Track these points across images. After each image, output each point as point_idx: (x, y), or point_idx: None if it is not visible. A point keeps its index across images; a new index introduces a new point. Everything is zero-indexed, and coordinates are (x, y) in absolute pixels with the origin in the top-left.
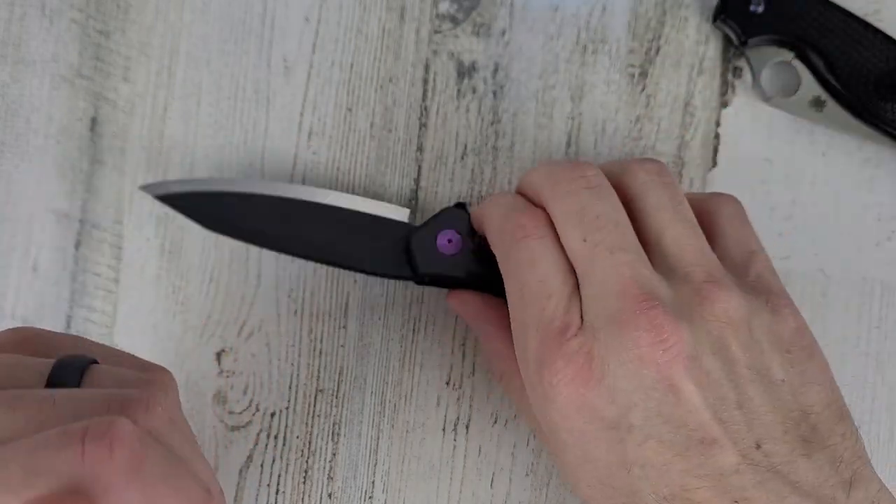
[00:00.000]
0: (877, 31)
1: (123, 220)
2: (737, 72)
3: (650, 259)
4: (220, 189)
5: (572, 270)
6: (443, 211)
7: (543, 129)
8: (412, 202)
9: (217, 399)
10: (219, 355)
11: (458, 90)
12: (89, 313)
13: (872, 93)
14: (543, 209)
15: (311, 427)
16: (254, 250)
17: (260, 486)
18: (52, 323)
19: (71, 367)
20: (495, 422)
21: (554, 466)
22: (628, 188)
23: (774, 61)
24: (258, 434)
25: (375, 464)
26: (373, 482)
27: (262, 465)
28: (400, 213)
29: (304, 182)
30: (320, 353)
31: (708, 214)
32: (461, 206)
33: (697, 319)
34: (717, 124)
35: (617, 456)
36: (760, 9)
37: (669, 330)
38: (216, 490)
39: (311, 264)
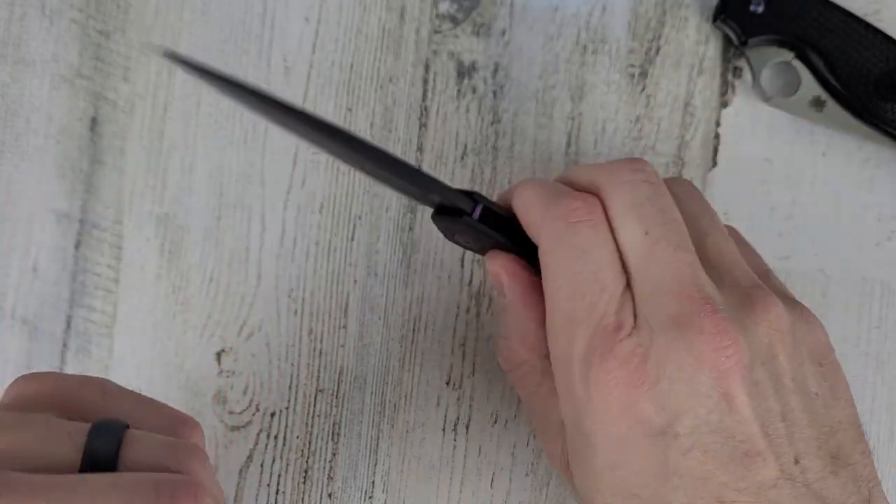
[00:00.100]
0: (877, 31)
1: (123, 220)
2: (737, 72)
3: None
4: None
5: (623, 265)
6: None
7: (543, 129)
8: (412, 202)
9: (217, 399)
10: (219, 355)
11: (458, 90)
12: (89, 313)
13: (872, 93)
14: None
15: (311, 427)
16: (254, 250)
17: (260, 486)
18: (52, 323)
19: (106, 435)
20: (495, 422)
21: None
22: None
23: (774, 61)
24: (258, 434)
25: (375, 464)
26: (373, 482)
27: (262, 465)
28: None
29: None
30: (320, 353)
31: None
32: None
33: (751, 326)
34: (717, 124)
35: (656, 465)
36: (760, 9)
37: (731, 336)
38: None
39: (310, 264)
